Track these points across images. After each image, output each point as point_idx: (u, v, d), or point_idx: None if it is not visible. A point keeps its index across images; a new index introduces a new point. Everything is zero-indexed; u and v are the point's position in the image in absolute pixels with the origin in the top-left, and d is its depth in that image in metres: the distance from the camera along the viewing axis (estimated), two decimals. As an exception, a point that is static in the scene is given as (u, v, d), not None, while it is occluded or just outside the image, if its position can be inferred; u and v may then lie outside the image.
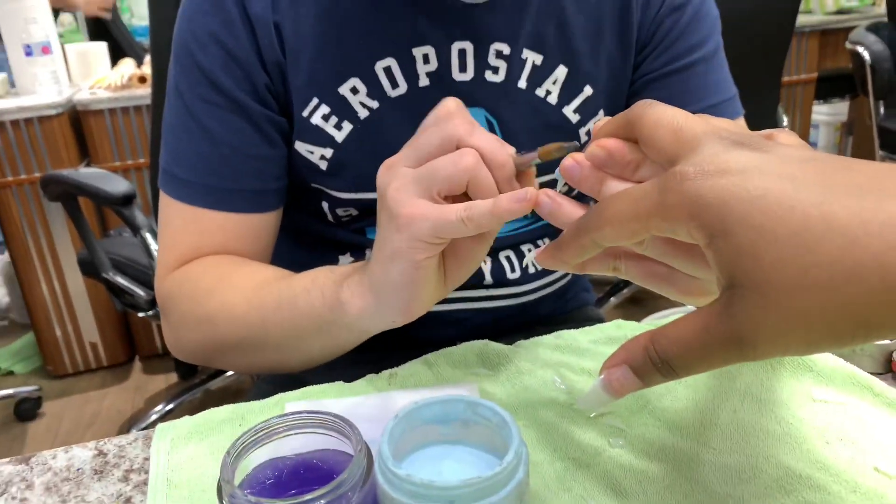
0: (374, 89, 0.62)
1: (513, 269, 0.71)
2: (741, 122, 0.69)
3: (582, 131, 0.67)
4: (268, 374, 0.79)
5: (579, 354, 0.57)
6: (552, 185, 0.67)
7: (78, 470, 0.49)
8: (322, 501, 0.32)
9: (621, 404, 0.50)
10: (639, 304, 2.46)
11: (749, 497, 0.41)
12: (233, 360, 0.64)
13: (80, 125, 2.11)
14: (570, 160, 0.38)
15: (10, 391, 2.09)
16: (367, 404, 0.52)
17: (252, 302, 0.58)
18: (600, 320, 0.76)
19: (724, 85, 0.69)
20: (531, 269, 0.72)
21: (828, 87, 2.75)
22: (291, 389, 0.55)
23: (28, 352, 2.39)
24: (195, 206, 0.64)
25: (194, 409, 0.76)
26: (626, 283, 2.34)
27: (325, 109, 0.62)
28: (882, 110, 2.36)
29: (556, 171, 0.40)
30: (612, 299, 2.35)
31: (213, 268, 0.64)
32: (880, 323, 0.27)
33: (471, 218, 0.41)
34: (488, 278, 0.70)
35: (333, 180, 0.65)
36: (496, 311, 0.72)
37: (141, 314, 1.58)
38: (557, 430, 0.48)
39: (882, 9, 2.75)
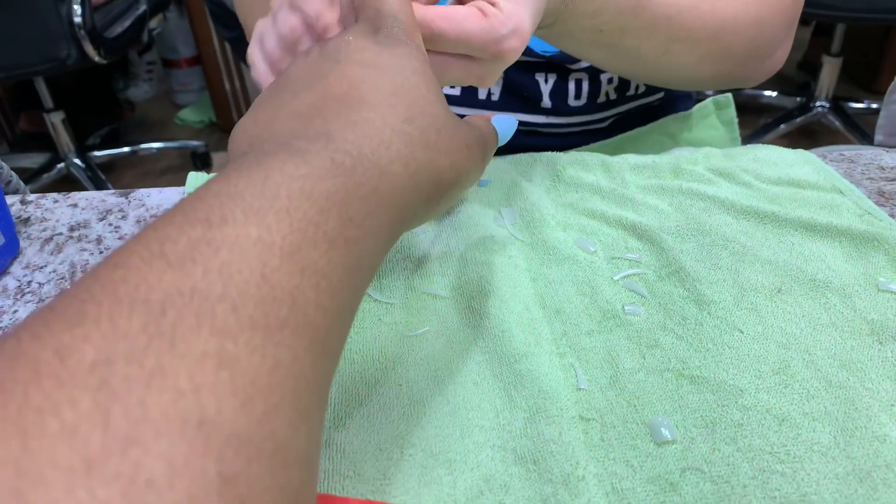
0: None
1: (577, 95, 0.65)
2: None
3: None
4: None
5: (621, 203, 0.52)
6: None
7: (166, 209, 0.54)
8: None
9: (651, 266, 0.46)
10: (811, 136, 2.23)
11: (763, 395, 0.36)
12: None
13: None
14: None
15: (180, 143, 2.29)
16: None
17: None
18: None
19: None
20: (601, 99, 0.66)
21: None
22: None
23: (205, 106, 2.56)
24: None
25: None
26: (802, 111, 2.16)
27: None
28: None
29: None
30: (782, 126, 2.16)
31: None
32: None
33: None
34: (546, 101, 0.64)
35: None
36: (553, 145, 0.66)
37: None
38: (564, 287, 0.44)
39: None
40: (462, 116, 0.64)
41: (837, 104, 2.18)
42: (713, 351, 0.39)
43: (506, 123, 0.36)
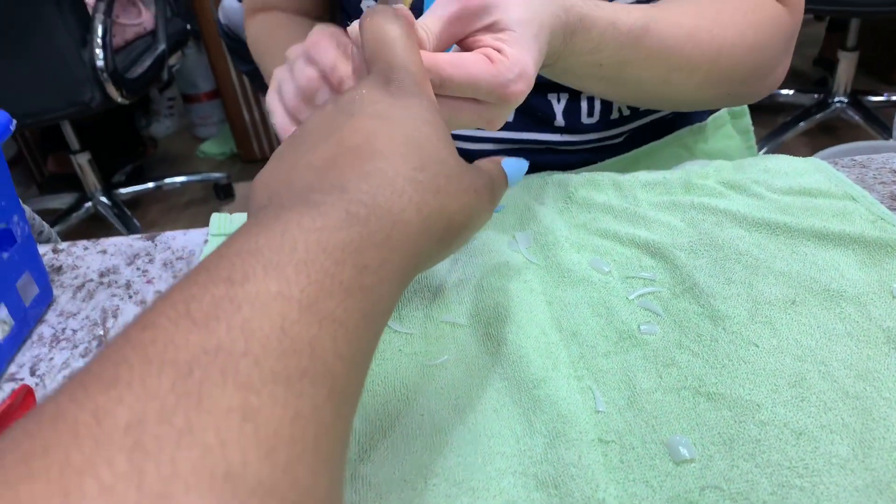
0: None
1: (590, 113, 0.66)
2: None
3: None
4: None
5: (634, 222, 0.53)
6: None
7: (190, 251, 0.57)
8: None
9: (665, 283, 0.46)
10: (831, 133, 2.20)
11: (780, 409, 0.37)
12: None
13: None
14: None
15: (203, 176, 2.33)
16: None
17: None
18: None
19: None
20: (614, 116, 0.67)
21: None
22: None
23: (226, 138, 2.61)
24: None
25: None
26: (820, 108, 2.14)
27: None
28: None
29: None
30: (802, 124, 2.14)
31: (268, 32, 0.73)
32: None
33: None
34: (560, 119, 0.66)
35: None
36: (568, 162, 0.67)
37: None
38: (580, 309, 0.45)
39: None
40: (479, 139, 0.67)
41: (856, 98, 2.16)
42: (729, 367, 0.40)
43: (516, 166, 0.38)
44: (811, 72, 2.57)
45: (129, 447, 0.18)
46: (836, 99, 2.15)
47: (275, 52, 0.67)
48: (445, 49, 0.41)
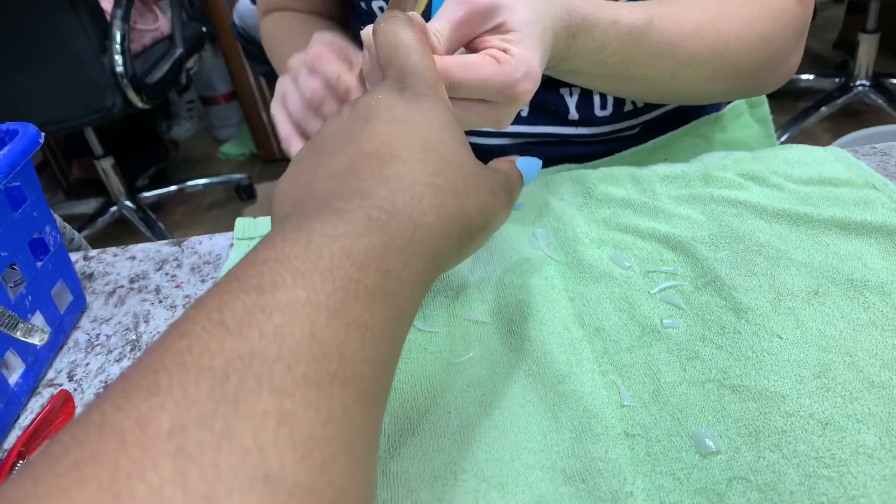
0: None
1: (604, 106, 0.66)
2: None
3: None
4: None
5: (654, 216, 0.53)
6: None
7: (217, 255, 0.58)
8: None
9: (687, 277, 0.46)
10: (854, 117, 2.17)
11: (805, 400, 0.37)
12: None
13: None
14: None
15: (224, 177, 2.33)
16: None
17: None
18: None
19: None
20: (628, 108, 0.67)
21: None
22: None
23: (245, 139, 2.63)
24: None
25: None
26: (842, 92, 2.11)
27: None
28: None
29: None
30: (824, 109, 2.10)
31: (280, 31, 0.74)
32: None
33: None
34: (573, 113, 0.66)
35: None
36: (584, 153, 0.68)
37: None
38: (602, 305, 0.45)
39: None
40: (494, 134, 0.67)
41: (878, 81, 2.12)
42: (753, 359, 0.40)
43: (530, 165, 0.38)
44: (831, 56, 2.53)
45: (173, 452, 0.18)
46: (858, 82, 2.13)
47: (286, 50, 0.68)
48: (455, 52, 0.42)
